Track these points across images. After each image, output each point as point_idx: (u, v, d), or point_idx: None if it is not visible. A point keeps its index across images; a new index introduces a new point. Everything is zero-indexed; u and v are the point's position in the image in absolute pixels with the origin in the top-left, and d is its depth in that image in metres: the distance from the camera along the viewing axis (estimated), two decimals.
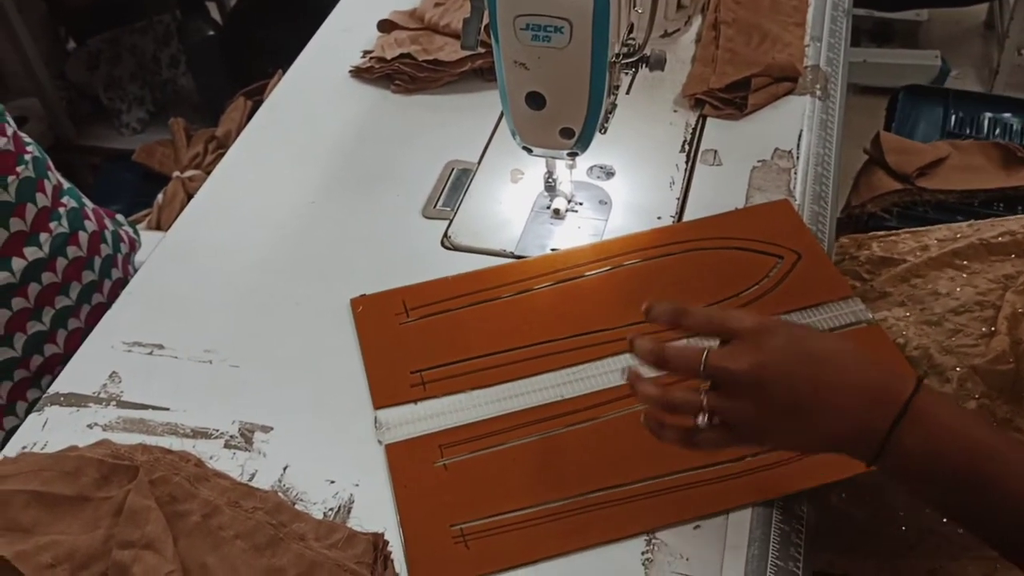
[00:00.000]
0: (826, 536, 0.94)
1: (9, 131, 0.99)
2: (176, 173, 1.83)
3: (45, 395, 0.87)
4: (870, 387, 0.62)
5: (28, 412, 0.86)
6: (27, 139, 1.04)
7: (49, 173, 1.05)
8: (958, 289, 1.01)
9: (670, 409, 0.67)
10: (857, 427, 0.62)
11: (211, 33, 2.30)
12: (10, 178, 0.98)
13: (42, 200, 1.02)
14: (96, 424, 0.84)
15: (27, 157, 1.01)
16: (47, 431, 0.83)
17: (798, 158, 1.04)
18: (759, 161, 1.04)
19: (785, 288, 0.90)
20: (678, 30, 1.23)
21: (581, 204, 1.02)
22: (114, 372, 0.88)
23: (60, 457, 0.76)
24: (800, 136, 1.06)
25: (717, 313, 0.67)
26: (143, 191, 2.03)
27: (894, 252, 1.10)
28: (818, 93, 1.12)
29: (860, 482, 0.92)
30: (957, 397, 0.96)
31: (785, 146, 1.05)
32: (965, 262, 1.05)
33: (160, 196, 1.78)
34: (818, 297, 0.88)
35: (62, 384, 0.88)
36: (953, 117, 1.59)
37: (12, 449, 0.82)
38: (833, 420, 0.62)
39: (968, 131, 1.56)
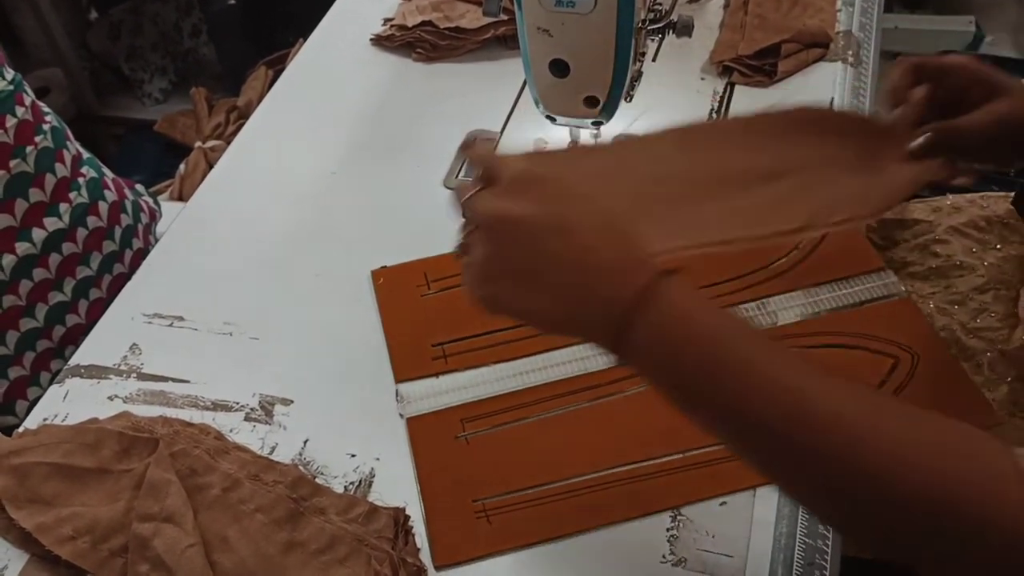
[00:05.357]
0: None
1: (27, 101, 0.98)
2: (198, 143, 1.82)
3: (66, 367, 0.87)
4: (612, 268, 0.55)
5: (51, 383, 0.86)
6: (46, 109, 1.03)
7: (68, 143, 1.04)
8: (982, 264, 0.99)
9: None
10: (596, 307, 0.55)
11: (232, 2, 2.29)
12: (29, 148, 0.97)
13: (61, 170, 1.01)
14: (117, 396, 0.83)
15: (46, 127, 1.00)
16: (68, 403, 0.83)
17: None
18: None
19: (816, 259, 0.87)
20: None
21: None
22: (134, 344, 0.88)
23: (81, 429, 0.76)
24: (831, 103, 1.03)
25: (490, 156, 0.61)
26: (165, 161, 2.03)
27: (904, 214, 1.08)
28: (850, 59, 1.09)
29: None
30: (988, 381, 0.94)
31: None
32: (985, 236, 1.03)
33: (182, 166, 1.78)
34: (849, 269, 0.86)
35: (83, 356, 0.88)
36: None
37: (33, 421, 0.82)
38: (565, 295, 0.56)
39: None
